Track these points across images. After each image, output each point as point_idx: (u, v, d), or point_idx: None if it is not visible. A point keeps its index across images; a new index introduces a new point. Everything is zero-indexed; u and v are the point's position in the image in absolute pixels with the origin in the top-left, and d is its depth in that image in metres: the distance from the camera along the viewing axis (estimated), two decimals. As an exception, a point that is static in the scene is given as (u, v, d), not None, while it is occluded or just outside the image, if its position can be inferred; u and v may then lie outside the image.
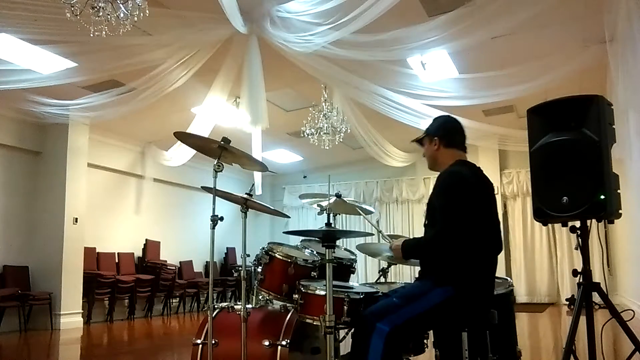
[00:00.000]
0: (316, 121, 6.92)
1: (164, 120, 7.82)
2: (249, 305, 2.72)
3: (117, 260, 8.69)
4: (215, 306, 2.78)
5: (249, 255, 2.66)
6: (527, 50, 5.65)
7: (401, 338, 2.15)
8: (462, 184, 2.24)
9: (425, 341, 2.63)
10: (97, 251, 8.34)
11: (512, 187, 10.29)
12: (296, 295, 2.47)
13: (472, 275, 2.18)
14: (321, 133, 6.96)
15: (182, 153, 8.11)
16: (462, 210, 2.16)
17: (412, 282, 2.49)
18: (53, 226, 7.44)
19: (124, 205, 9.22)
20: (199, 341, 2.72)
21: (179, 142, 6.63)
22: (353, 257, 3.06)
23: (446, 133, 2.45)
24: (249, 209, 2.70)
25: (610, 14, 4.31)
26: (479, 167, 2.40)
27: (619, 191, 2.46)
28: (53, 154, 7.63)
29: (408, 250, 2.33)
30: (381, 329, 2.09)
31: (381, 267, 3.20)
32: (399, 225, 11.39)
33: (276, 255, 2.70)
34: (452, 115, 2.54)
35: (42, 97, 6.44)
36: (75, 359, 5.21)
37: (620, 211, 2.46)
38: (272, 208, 2.97)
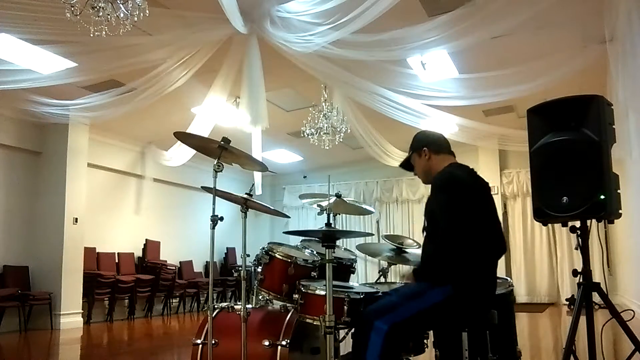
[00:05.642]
0: (316, 121, 6.91)
1: (164, 120, 7.82)
2: (249, 305, 2.72)
3: (117, 260, 8.69)
4: (215, 306, 2.78)
5: (249, 255, 2.66)
6: (527, 50, 5.65)
7: (400, 336, 2.15)
8: (457, 182, 2.25)
9: (425, 341, 2.63)
10: (97, 251, 8.34)
11: (512, 187, 10.29)
12: (296, 295, 2.48)
13: (471, 275, 2.18)
14: (321, 133, 6.95)
15: (182, 153, 8.10)
16: (461, 207, 2.17)
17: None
18: (53, 226, 7.44)
19: (124, 205, 9.22)
20: (198, 341, 2.72)
21: (179, 142, 6.63)
22: (353, 257, 3.06)
23: (432, 141, 2.49)
24: (249, 209, 2.70)
25: (610, 14, 4.30)
26: (473, 169, 2.41)
27: (619, 191, 2.46)
28: (53, 154, 7.63)
29: (421, 274, 2.34)
30: (379, 327, 2.09)
31: (381, 267, 3.20)
32: (399, 225, 11.39)
33: (276, 255, 2.70)
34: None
35: (42, 97, 6.44)
36: (75, 359, 5.21)
37: (620, 211, 2.46)
38: (272, 208, 2.97)
